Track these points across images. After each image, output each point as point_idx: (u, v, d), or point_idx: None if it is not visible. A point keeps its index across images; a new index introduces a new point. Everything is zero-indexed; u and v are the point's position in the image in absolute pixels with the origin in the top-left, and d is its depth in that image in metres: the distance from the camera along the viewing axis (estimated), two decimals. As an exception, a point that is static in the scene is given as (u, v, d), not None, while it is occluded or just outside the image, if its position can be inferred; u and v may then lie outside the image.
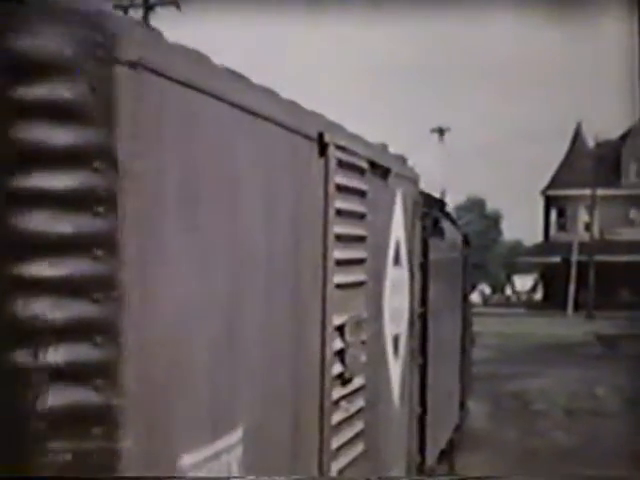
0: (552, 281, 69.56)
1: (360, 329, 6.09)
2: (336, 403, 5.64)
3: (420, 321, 9.15)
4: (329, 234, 5.43)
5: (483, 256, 78.20)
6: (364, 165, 6.23)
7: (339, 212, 5.60)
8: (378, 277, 6.97)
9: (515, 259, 78.48)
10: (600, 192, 64.34)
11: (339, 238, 5.60)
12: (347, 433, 5.90)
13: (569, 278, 64.61)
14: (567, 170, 70.48)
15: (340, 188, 5.61)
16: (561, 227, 71.30)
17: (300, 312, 5.05)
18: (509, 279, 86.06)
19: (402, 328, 8.00)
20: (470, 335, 18.19)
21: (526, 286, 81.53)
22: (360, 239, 6.18)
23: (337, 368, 5.65)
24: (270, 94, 4.76)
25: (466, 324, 15.18)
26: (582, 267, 63.45)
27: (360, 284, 6.18)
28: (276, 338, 4.66)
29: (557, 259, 67.90)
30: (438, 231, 11.10)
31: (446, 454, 12.65)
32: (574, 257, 65.21)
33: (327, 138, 5.35)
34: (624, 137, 69.74)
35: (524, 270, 79.57)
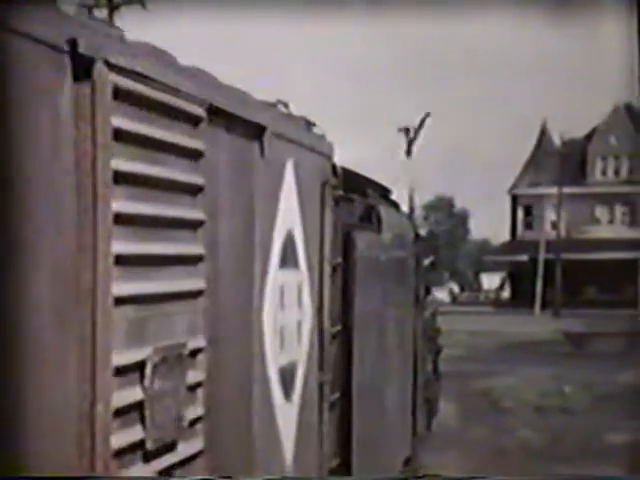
0: (519, 279, 67.78)
1: (185, 366, 3.55)
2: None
3: (339, 342, 6.60)
4: (100, 213, 2.91)
5: (451, 254, 76.20)
6: (197, 111, 3.69)
7: (125, 177, 3.06)
8: (243, 284, 4.43)
9: (483, 257, 76.25)
10: (566, 190, 62.61)
11: (124, 221, 3.07)
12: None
13: (536, 276, 62.66)
14: (533, 169, 68.51)
15: (125, 137, 3.08)
16: (528, 226, 69.33)
17: (34, 351, 2.56)
18: (477, 277, 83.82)
19: (300, 356, 5.45)
20: (434, 345, 15.53)
21: (494, 284, 79.29)
22: (187, 225, 3.64)
23: (130, 434, 3.14)
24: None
25: (418, 335, 12.32)
26: (549, 265, 61.60)
27: (189, 295, 3.64)
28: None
29: (524, 258, 65.96)
30: (373, 223, 8.54)
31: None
32: (541, 255, 63.21)
33: (87, 49, 2.83)
34: (589, 136, 67.93)
35: (492, 269, 77.37)
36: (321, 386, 5.90)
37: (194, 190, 3.66)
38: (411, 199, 57.27)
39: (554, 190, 62.64)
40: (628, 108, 65.92)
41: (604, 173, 67.76)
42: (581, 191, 65.96)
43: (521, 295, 65.80)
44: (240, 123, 4.30)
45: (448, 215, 79.17)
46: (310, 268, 5.65)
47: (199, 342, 3.68)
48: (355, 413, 7.03)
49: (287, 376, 5.13)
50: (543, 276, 62.16)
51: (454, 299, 76.09)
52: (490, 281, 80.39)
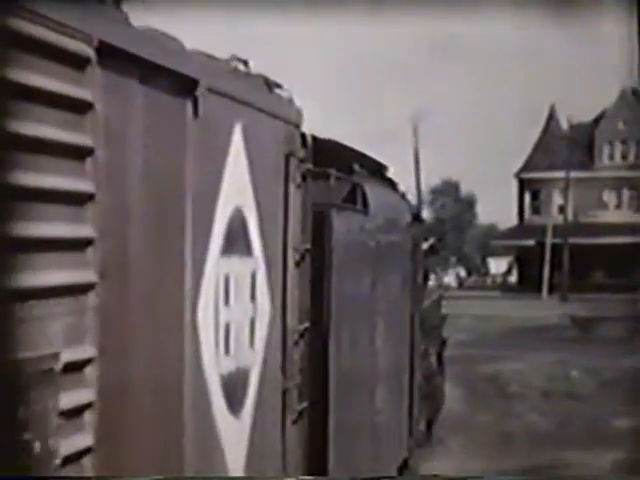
0: (527, 264, 66.89)
1: (57, 385, 2.63)
2: None
3: (309, 342, 5.65)
4: None
5: (458, 239, 75.38)
6: (80, 50, 2.76)
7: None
8: (166, 274, 3.51)
9: (490, 242, 75.24)
10: (574, 175, 61.68)
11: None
12: None
13: (543, 261, 61.79)
14: (541, 153, 67.51)
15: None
16: (535, 210, 68.39)
17: None
18: (485, 262, 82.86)
19: (254, 360, 4.53)
20: (438, 336, 14.49)
21: (501, 269, 78.35)
22: (65, 199, 2.72)
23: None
24: None
25: (415, 326, 11.19)
26: (557, 250, 60.73)
27: (69, 291, 2.73)
28: None
29: (531, 242, 65.07)
30: (358, 204, 7.60)
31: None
32: (548, 240, 62.32)
33: None
34: (597, 120, 66.93)
35: (499, 253, 76.39)
36: (284, 394, 4.99)
37: (78, 154, 2.74)
38: (418, 181, 56.34)
39: (562, 174, 61.79)
40: (635, 93, 64.96)
41: (612, 158, 66.79)
42: (589, 175, 65.05)
43: (528, 279, 64.92)
44: (162, 74, 3.38)
45: (454, 200, 78.07)
46: (268, 255, 4.72)
47: (85, 352, 2.77)
48: (332, 422, 6.11)
49: (235, 385, 4.22)
50: (550, 260, 61.33)
51: (461, 283, 75.25)
52: (498, 265, 79.47)
